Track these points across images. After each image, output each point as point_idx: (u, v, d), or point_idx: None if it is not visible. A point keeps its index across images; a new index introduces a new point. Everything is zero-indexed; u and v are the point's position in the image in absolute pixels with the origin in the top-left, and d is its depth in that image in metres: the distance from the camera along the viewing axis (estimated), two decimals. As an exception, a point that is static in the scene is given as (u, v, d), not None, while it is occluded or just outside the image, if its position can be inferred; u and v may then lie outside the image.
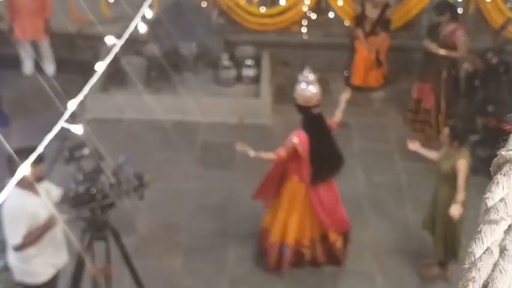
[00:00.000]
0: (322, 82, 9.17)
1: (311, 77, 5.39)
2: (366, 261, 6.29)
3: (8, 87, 8.28)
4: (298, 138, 5.45)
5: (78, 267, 5.16)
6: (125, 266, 5.29)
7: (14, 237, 4.60)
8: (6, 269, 5.82)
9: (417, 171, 7.18)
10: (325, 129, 5.68)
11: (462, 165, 5.54)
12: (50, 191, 4.86)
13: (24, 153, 4.46)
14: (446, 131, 5.70)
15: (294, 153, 5.48)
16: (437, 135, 7.96)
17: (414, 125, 8.18)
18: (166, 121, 8.16)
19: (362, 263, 6.26)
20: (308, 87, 5.40)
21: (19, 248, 4.67)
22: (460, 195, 5.53)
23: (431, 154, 5.87)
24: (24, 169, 4.54)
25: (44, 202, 4.69)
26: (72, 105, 2.43)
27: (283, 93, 8.98)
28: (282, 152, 5.50)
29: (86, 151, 4.65)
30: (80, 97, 2.44)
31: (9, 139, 7.09)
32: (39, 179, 4.66)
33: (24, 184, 4.54)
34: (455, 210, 5.45)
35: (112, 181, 4.71)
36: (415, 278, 6.17)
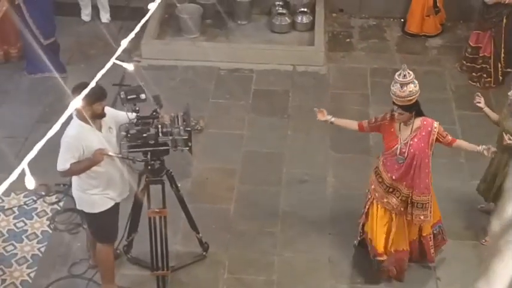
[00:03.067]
0: (377, 29, 9.12)
1: (408, 76, 4.93)
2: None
3: (67, 34, 8.43)
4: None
5: (136, 208, 5.35)
6: (180, 210, 5.45)
7: (63, 162, 4.80)
8: (67, 209, 6.08)
9: (473, 120, 7.07)
10: None
11: None
12: (114, 126, 4.98)
13: (81, 90, 4.65)
14: None
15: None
16: (495, 84, 7.82)
17: (471, 73, 8.02)
18: (221, 68, 8.23)
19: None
20: (405, 88, 4.92)
21: (64, 173, 4.89)
22: None
23: (493, 114, 5.75)
24: (78, 103, 4.75)
25: (101, 138, 4.84)
26: (125, 42, 2.47)
27: (338, 40, 8.91)
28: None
29: (142, 96, 4.75)
30: (132, 35, 2.49)
31: (66, 84, 7.29)
32: (98, 115, 4.81)
33: (86, 118, 4.76)
34: None
35: (166, 129, 4.80)
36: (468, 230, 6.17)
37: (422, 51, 8.67)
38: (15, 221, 6.12)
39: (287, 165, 6.86)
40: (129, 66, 2.53)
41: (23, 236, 5.98)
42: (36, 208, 6.26)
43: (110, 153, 4.82)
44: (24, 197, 6.33)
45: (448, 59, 8.48)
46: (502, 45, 7.63)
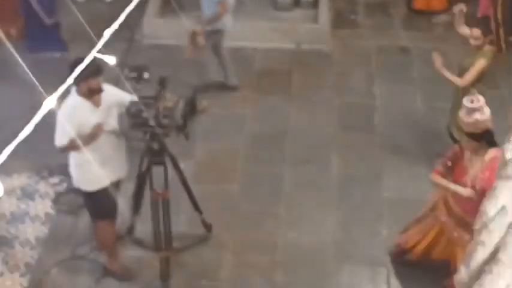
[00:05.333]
0: (383, 6, 9.01)
1: (477, 103, 4.56)
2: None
3: (69, 13, 8.33)
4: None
5: (138, 190, 5.31)
6: (183, 191, 5.42)
7: (61, 138, 4.78)
8: (70, 191, 6.05)
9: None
10: None
11: (480, 63, 5.72)
12: (114, 106, 4.94)
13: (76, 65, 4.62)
14: (476, 31, 5.79)
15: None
16: (500, 51, 7.70)
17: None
18: (223, 47, 8.14)
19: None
20: (472, 115, 4.55)
21: (62, 149, 4.85)
22: (457, 80, 5.78)
23: (448, 74, 5.84)
24: (72, 79, 4.71)
25: (98, 115, 4.80)
26: (107, 33, 2.42)
27: (342, 18, 8.81)
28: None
29: (146, 75, 4.70)
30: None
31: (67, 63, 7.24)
32: (95, 91, 4.77)
33: (83, 94, 4.75)
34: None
35: (167, 112, 4.74)
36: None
37: (428, 28, 8.56)
38: (18, 202, 6.10)
39: (291, 145, 6.81)
40: (111, 60, 2.48)
41: (26, 218, 5.96)
42: (39, 189, 6.23)
43: (110, 129, 4.77)
44: (27, 178, 6.31)
45: (454, 36, 8.35)
46: (500, 10, 7.58)
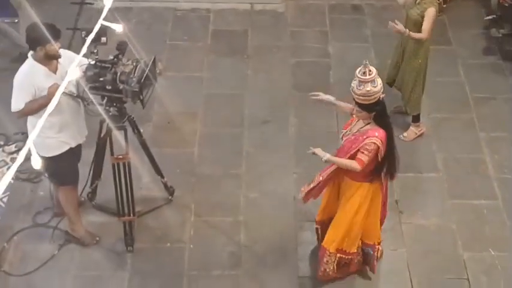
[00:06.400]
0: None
1: (369, 74, 4.44)
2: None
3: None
4: (380, 140, 4.57)
5: (98, 155, 5.29)
6: (144, 155, 5.42)
7: (16, 102, 4.73)
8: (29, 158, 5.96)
9: (435, 55, 7.08)
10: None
11: (431, 11, 5.86)
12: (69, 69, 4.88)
13: (34, 30, 4.56)
14: None
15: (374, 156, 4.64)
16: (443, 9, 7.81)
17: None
18: (177, 8, 8.06)
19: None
20: (366, 86, 4.45)
21: (19, 113, 4.79)
22: (421, 35, 5.91)
23: (418, 35, 5.96)
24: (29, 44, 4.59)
25: (55, 81, 4.73)
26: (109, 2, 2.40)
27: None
28: (364, 158, 4.58)
29: (103, 39, 4.62)
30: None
31: (18, 28, 7.08)
32: (52, 56, 4.71)
33: (39, 59, 4.69)
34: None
35: (124, 78, 4.68)
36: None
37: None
38: (-26, 172, 6.01)
39: (249, 106, 6.84)
40: (118, 28, 2.45)
41: (-16, 187, 5.88)
42: (-4, 158, 6.16)
43: (66, 91, 4.71)
44: (-18, 147, 6.21)
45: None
46: None
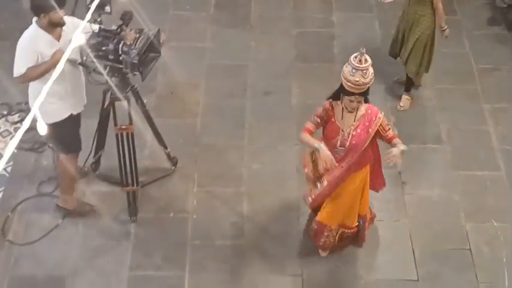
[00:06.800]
0: None
1: (365, 63, 4.24)
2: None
3: None
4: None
5: (101, 125, 5.29)
6: (147, 125, 5.42)
7: (18, 67, 4.71)
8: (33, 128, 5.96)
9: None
10: None
11: None
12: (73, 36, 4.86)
13: None
14: None
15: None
16: None
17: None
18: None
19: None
20: (367, 72, 4.26)
21: (21, 78, 4.76)
22: (440, 10, 5.93)
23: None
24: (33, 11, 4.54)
25: (59, 47, 4.72)
26: None
27: None
28: (393, 131, 4.61)
29: (107, 8, 4.58)
30: None
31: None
32: (56, 24, 4.68)
33: (43, 26, 4.67)
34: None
35: (126, 48, 4.64)
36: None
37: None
38: (-22, 142, 6.03)
39: (251, 77, 6.82)
40: None
41: (-13, 157, 5.91)
42: (-1, 128, 6.17)
43: (70, 58, 4.69)
44: (-15, 117, 6.22)
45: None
46: None
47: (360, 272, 5.21)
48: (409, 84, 6.49)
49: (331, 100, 4.57)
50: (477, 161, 6.07)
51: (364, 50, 4.25)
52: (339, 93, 4.45)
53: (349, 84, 4.29)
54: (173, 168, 5.82)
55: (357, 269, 5.22)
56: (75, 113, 5.10)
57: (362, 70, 4.24)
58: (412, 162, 6.00)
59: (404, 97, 6.53)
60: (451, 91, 6.73)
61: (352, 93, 4.33)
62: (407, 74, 6.39)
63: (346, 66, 4.31)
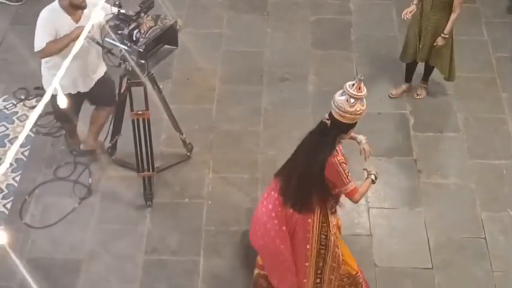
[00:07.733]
0: None
1: (363, 91, 3.92)
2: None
3: None
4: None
5: (118, 110, 5.31)
6: (163, 111, 5.44)
7: (39, 41, 4.79)
8: (50, 112, 5.99)
9: None
10: None
11: None
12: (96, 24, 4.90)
13: None
14: None
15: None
16: None
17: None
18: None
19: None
20: (358, 102, 3.94)
21: (41, 52, 4.84)
22: (454, 17, 5.71)
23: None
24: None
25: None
26: None
27: None
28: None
29: None
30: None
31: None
32: (77, 6, 4.76)
33: (64, 6, 4.76)
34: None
35: (139, 36, 4.63)
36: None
37: None
38: (-4, 126, 6.08)
39: (268, 64, 6.81)
40: None
41: (5, 141, 5.95)
42: (17, 112, 6.20)
43: (89, 36, 4.74)
44: (4, 101, 6.26)
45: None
46: None
47: (374, 260, 5.21)
48: (427, 73, 6.43)
49: (336, 150, 4.14)
50: (494, 149, 6.04)
51: (363, 77, 3.92)
52: (338, 134, 4.09)
53: (351, 116, 3.96)
54: (189, 154, 5.84)
55: (371, 257, 5.23)
56: (82, 91, 5.18)
57: (361, 99, 3.93)
58: (428, 150, 5.98)
59: (422, 85, 6.49)
60: (469, 79, 6.67)
61: (355, 124, 4.07)
62: (425, 64, 6.30)
63: (340, 97, 3.95)
